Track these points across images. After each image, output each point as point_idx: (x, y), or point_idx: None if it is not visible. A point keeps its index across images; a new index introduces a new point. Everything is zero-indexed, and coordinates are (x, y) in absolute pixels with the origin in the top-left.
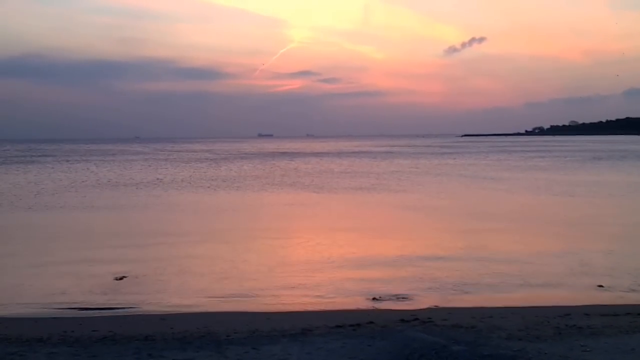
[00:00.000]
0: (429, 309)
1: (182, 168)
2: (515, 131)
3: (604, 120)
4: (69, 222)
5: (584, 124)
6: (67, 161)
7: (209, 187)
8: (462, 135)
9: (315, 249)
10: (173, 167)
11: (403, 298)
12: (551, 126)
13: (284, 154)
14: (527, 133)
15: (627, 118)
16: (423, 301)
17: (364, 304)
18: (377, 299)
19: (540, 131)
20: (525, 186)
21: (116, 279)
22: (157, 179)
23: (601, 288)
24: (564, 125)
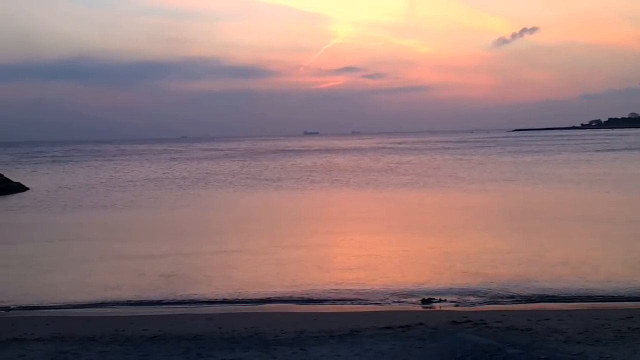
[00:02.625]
0: (481, 311)
1: (226, 166)
2: (571, 125)
3: None
4: (117, 220)
5: None
6: (114, 161)
7: (252, 185)
8: (514, 130)
9: (362, 248)
10: (217, 166)
11: (454, 299)
12: (609, 119)
13: (328, 150)
14: (584, 127)
15: None
16: (475, 302)
17: (414, 305)
18: (427, 300)
19: (597, 124)
20: (578, 182)
21: (165, 276)
22: (201, 177)
23: None
24: (623, 118)
